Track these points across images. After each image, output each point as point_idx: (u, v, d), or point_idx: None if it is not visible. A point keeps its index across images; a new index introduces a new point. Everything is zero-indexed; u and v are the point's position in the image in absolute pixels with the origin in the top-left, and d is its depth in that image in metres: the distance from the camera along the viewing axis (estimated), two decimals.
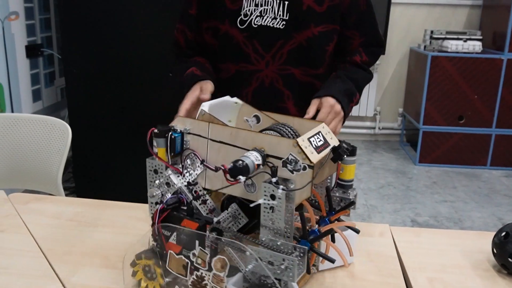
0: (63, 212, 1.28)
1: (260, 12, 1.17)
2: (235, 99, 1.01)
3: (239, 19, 1.18)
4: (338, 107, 1.14)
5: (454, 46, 3.70)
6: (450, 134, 3.83)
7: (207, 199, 0.91)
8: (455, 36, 3.80)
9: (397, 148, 4.40)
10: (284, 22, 1.17)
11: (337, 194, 0.99)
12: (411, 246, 1.14)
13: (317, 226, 0.93)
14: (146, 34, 2.82)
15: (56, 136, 1.91)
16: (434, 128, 3.84)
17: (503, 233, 1.02)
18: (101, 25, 2.82)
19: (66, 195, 3.18)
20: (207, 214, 0.91)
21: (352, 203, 0.99)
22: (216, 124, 0.87)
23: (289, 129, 0.93)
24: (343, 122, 1.20)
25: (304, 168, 0.81)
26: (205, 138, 0.87)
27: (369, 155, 4.20)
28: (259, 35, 1.18)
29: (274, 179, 0.79)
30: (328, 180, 0.97)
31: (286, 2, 1.16)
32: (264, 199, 0.79)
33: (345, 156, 0.89)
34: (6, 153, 1.95)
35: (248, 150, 0.84)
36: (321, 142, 0.88)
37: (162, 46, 2.80)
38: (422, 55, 3.85)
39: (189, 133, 0.89)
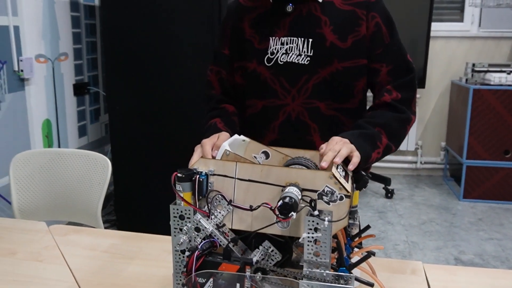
0: (100, 244, 1.32)
1: (286, 50, 1.21)
2: (242, 137, 1.03)
3: (266, 57, 1.23)
4: (345, 140, 1.02)
5: (497, 78, 3.62)
6: (495, 169, 3.71)
7: (241, 236, 0.90)
8: (498, 69, 3.72)
9: (440, 183, 4.28)
10: (308, 58, 1.20)
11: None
12: (446, 285, 1.11)
13: (345, 253, 0.92)
14: (187, 74, 2.91)
15: (97, 170, 1.98)
16: (479, 163, 3.72)
17: None
18: (144, 65, 2.94)
19: (107, 227, 3.27)
20: (241, 255, 0.91)
21: (367, 227, 0.99)
22: (243, 162, 0.89)
23: (309, 161, 0.95)
24: (362, 165, 1.02)
25: (341, 198, 0.82)
26: (232, 178, 0.88)
27: (410, 190, 4.11)
28: (285, 71, 1.22)
29: (316, 212, 0.80)
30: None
31: (310, 40, 1.20)
32: (308, 233, 0.80)
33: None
34: (51, 186, 2.03)
35: (282, 186, 0.85)
36: (344, 173, 0.89)
37: (201, 84, 2.88)
38: (464, 88, 3.78)
39: (213, 174, 0.89)
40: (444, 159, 4.40)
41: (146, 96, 2.99)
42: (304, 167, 0.92)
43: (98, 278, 1.14)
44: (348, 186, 0.84)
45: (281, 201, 0.78)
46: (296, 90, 1.22)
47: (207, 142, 1.01)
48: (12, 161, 2.00)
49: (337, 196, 0.82)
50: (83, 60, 3.33)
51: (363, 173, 0.92)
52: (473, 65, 3.79)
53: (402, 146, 4.36)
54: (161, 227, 3.16)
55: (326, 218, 0.79)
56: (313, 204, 0.80)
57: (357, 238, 0.96)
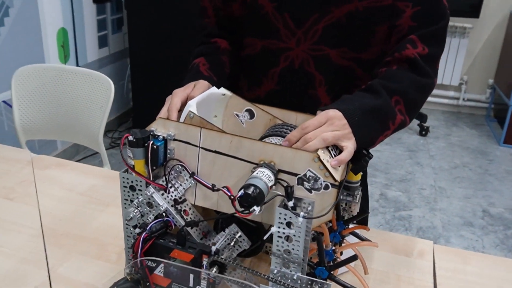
0: (79, 184, 1.21)
1: None
2: (222, 90, 0.84)
3: None
4: (341, 121, 0.77)
5: None
6: None
7: (200, 221, 0.76)
8: None
9: (481, 124, 3.99)
10: None
11: (341, 197, 0.79)
12: (453, 276, 0.95)
13: (330, 245, 0.77)
14: None
15: (99, 91, 1.85)
16: None
17: None
18: None
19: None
20: (201, 239, 0.76)
21: (364, 212, 0.81)
22: (210, 129, 0.71)
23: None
24: (365, 154, 0.77)
25: (326, 187, 0.65)
26: (196, 146, 0.72)
27: (447, 129, 3.85)
28: (292, 6, 0.97)
29: (290, 203, 0.64)
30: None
31: None
32: (279, 227, 0.64)
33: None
34: (53, 104, 1.92)
35: (254, 163, 0.68)
36: (338, 152, 0.72)
37: None
38: None
39: (174, 140, 0.73)
40: (490, 98, 4.06)
41: (169, 5, 2.77)
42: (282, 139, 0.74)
43: (65, 226, 1.03)
44: (338, 173, 0.67)
45: (242, 191, 0.61)
46: (303, 32, 0.98)
47: (178, 94, 0.83)
48: (14, 75, 1.88)
49: (321, 184, 0.65)
50: None
51: (364, 151, 0.73)
52: None
53: (445, 80, 4.03)
54: None
55: (302, 213, 0.62)
56: (289, 191, 0.64)
57: (351, 225, 0.80)
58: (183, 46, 2.83)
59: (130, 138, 0.71)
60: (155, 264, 0.71)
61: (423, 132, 3.67)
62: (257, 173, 0.64)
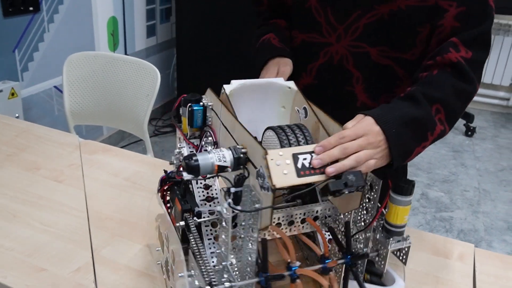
0: (125, 169, 1.25)
1: None
2: (290, 83, 0.84)
3: None
4: (377, 137, 0.73)
5: None
6: None
7: (211, 185, 0.81)
8: None
9: None
10: None
11: (377, 237, 0.76)
12: (495, 282, 0.93)
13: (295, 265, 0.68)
14: None
15: (146, 80, 1.89)
16: None
17: None
18: None
19: (169, 132, 3.27)
20: (202, 200, 0.81)
21: (365, 255, 0.74)
22: (225, 108, 0.76)
23: (299, 134, 0.73)
24: (395, 163, 0.76)
25: (267, 189, 0.63)
26: (219, 119, 0.78)
27: (496, 130, 3.72)
28: (334, 2, 0.97)
29: (233, 190, 0.64)
30: (348, 214, 0.75)
31: None
32: (223, 209, 0.66)
33: (345, 192, 0.64)
34: (101, 91, 1.98)
35: (237, 144, 0.71)
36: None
37: None
38: None
39: (211, 109, 0.81)
40: None
41: None
42: (272, 136, 0.74)
43: (109, 210, 1.07)
44: (285, 179, 0.63)
45: (187, 158, 0.66)
46: (344, 28, 0.98)
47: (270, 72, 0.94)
48: (66, 62, 1.95)
49: (266, 184, 0.63)
50: None
51: (351, 178, 0.65)
52: None
53: (495, 80, 3.90)
54: None
55: (229, 201, 0.63)
56: (236, 180, 0.64)
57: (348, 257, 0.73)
58: (229, 37, 2.85)
59: (185, 96, 0.82)
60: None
61: (469, 133, 3.57)
62: (215, 151, 0.67)
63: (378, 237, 0.76)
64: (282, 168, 0.63)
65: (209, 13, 2.85)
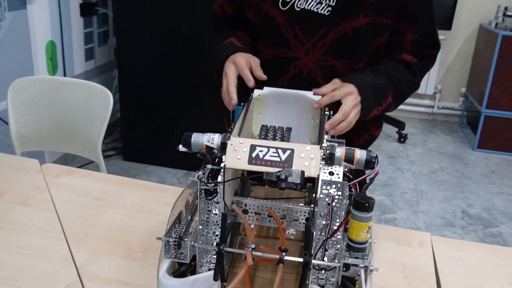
0: (92, 189, 1.25)
1: None
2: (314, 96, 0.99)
3: (281, 0, 1.07)
4: (357, 97, 1.00)
5: None
6: None
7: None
8: None
9: (455, 130, 4.16)
10: (329, 8, 1.04)
11: (343, 252, 0.76)
12: (452, 263, 1.04)
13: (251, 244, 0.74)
14: None
15: (98, 102, 1.89)
16: (498, 113, 3.57)
17: None
18: None
19: (112, 155, 3.23)
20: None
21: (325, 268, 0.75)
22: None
23: (279, 133, 0.86)
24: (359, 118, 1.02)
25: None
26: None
27: (424, 136, 4.00)
28: (301, 19, 1.07)
29: (209, 166, 0.75)
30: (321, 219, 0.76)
31: None
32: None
33: (282, 185, 0.70)
34: (50, 115, 1.96)
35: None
36: (275, 159, 0.72)
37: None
38: (492, 33, 3.55)
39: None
40: (463, 105, 4.24)
41: (156, 19, 2.84)
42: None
43: (86, 229, 1.08)
44: (231, 160, 0.73)
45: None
46: (312, 43, 1.08)
47: (230, 75, 1.02)
48: (11, 87, 1.91)
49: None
50: None
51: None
52: (505, 8, 3.54)
53: (421, 90, 4.19)
54: (166, 157, 3.14)
55: (197, 175, 0.75)
56: (210, 158, 0.76)
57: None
58: (170, 59, 2.89)
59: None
60: None
61: (402, 139, 3.81)
62: (209, 134, 0.80)
63: (340, 249, 0.76)
64: (237, 153, 0.73)
65: (150, 33, 2.88)
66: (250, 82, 1.00)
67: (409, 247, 1.09)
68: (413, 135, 3.99)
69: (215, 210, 0.76)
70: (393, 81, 1.09)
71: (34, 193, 1.22)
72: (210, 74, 1.15)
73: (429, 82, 4.15)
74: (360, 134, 1.21)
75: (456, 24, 3.95)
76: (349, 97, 0.98)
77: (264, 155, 0.72)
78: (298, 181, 0.68)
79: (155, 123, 3.08)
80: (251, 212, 0.81)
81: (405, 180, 3.17)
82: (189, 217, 0.81)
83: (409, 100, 4.28)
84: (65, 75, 2.93)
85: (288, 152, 0.72)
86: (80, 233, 1.07)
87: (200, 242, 0.77)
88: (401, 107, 4.28)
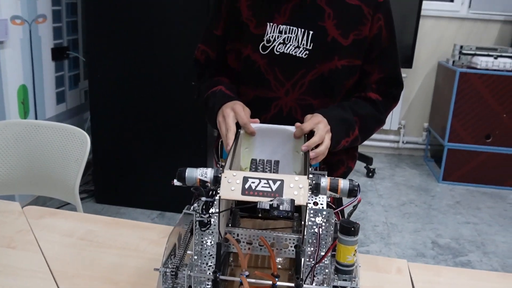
0: (76, 230, 1.26)
1: (284, 39, 1.14)
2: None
3: (261, 45, 1.15)
4: (327, 126, 1.07)
5: (484, 62, 3.60)
6: (476, 153, 3.73)
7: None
8: (486, 53, 3.69)
9: (421, 164, 4.31)
10: (307, 52, 1.13)
11: (331, 276, 0.81)
12: (430, 287, 1.09)
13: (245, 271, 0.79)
14: (170, 40, 2.81)
15: (75, 144, 1.91)
16: (460, 146, 3.74)
17: None
18: (127, 29, 2.83)
19: (85, 198, 3.20)
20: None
21: None
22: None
23: (267, 166, 0.93)
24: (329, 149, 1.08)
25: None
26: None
27: (391, 170, 4.12)
28: (281, 62, 1.15)
29: (203, 199, 0.78)
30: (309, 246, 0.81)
31: (311, 32, 1.12)
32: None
33: (274, 213, 0.74)
34: (26, 159, 1.95)
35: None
36: (266, 189, 0.78)
37: (185, 54, 2.79)
38: (450, 70, 3.76)
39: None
40: (426, 140, 4.41)
41: (128, 62, 2.89)
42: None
43: (74, 269, 1.09)
44: (226, 191, 0.78)
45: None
46: (291, 84, 1.15)
47: (230, 124, 1.06)
48: None
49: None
50: (63, 23, 3.18)
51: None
52: (461, 47, 3.76)
53: (386, 125, 4.34)
54: (139, 199, 3.14)
55: (193, 207, 0.79)
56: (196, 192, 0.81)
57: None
58: (142, 101, 2.93)
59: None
60: None
61: (370, 174, 3.92)
62: (202, 168, 0.84)
63: (329, 273, 0.80)
64: (231, 185, 0.78)
65: (122, 75, 2.92)
66: (252, 132, 1.06)
67: (388, 273, 1.14)
68: (381, 169, 4.11)
69: (209, 241, 0.80)
70: (358, 116, 1.18)
71: (18, 235, 1.22)
72: (207, 120, 1.22)
73: (393, 118, 4.32)
74: (337, 167, 1.28)
75: (417, 62, 4.16)
76: (320, 125, 1.05)
77: (256, 186, 0.76)
78: (289, 209, 0.73)
79: (128, 165, 3.08)
80: (243, 242, 0.85)
81: (375, 213, 3.25)
82: (183, 250, 0.85)
83: (375, 135, 4.44)
84: (36, 119, 2.92)
85: (278, 182, 0.77)
86: (68, 273, 1.07)
87: (195, 271, 0.80)
88: (368, 142, 4.43)
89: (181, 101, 2.89)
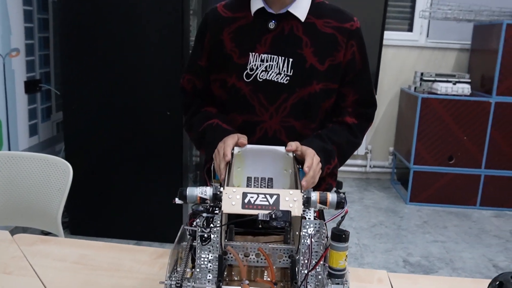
0: (69, 255, 1.30)
1: (266, 67, 1.24)
2: (283, 148, 1.12)
3: (245, 73, 1.25)
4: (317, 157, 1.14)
5: (443, 88, 3.81)
6: (440, 174, 3.90)
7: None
8: (445, 79, 3.91)
9: (388, 187, 4.46)
10: (288, 78, 1.23)
11: (324, 280, 0.88)
12: None
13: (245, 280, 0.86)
14: (147, 71, 2.88)
15: (57, 175, 1.93)
16: (425, 168, 3.91)
17: (497, 283, 1.05)
18: (100, 61, 2.89)
19: (64, 228, 3.17)
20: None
21: None
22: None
23: (263, 182, 1.03)
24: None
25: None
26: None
27: (360, 193, 4.25)
28: (264, 88, 1.24)
29: (204, 215, 0.86)
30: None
31: (291, 60, 1.23)
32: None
33: (273, 224, 0.83)
34: (6, 190, 1.96)
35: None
36: (264, 203, 0.86)
37: (160, 83, 2.86)
38: (412, 96, 3.95)
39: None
40: (392, 163, 4.58)
41: (102, 94, 2.93)
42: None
43: None
44: (227, 206, 0.85)
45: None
46: (275, 108, 1.25)
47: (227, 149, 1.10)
48: None
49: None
50: (35, 56, 3.21)
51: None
52: (421, 74, 3.97)
53: None
54: (115, 231, 3.14)
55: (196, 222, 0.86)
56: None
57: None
58: (116, 133, 2.97)
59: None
60: None
61: None
62: (202, 187, 0.90)
63: (321, 278, 0.87)
64: (231, 200, 0.85)
65: (96, 107, 2.96)
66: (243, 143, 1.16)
67: (370, 283, 1.22)
68: (350, 193, 4.23)
69: (210, 255, 0.86)
70: (336, 144, 1.27)
71: (12, 261, 1.25)
72: (206, 156, 1.29)
73: None
74: (319, 185, 1.36)
75: (380, 89, 4.36)
76: (314, 157, 1.12)
77: (255, 200, 0.84)
78: (287, 219, 0.81)
79: (102, 196, 3.09)
80: (241, 254, 0.91)
81: None
82: (184, 264, 0.90)
83: None
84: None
85: (275, 196, 0.85)
86: None
87: (198, 283, 0.86)
88: None
89: (156, 131, 2.94)
